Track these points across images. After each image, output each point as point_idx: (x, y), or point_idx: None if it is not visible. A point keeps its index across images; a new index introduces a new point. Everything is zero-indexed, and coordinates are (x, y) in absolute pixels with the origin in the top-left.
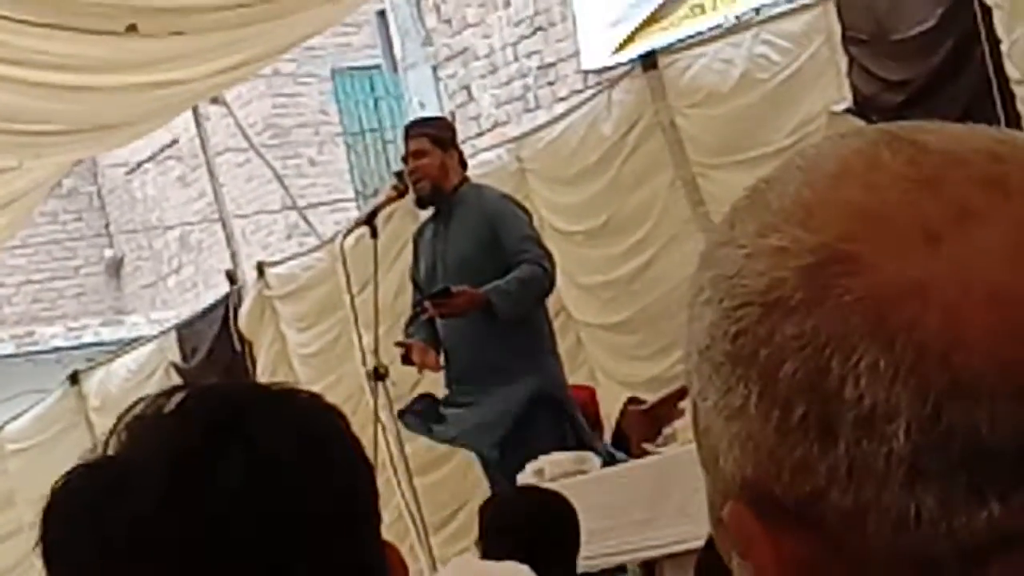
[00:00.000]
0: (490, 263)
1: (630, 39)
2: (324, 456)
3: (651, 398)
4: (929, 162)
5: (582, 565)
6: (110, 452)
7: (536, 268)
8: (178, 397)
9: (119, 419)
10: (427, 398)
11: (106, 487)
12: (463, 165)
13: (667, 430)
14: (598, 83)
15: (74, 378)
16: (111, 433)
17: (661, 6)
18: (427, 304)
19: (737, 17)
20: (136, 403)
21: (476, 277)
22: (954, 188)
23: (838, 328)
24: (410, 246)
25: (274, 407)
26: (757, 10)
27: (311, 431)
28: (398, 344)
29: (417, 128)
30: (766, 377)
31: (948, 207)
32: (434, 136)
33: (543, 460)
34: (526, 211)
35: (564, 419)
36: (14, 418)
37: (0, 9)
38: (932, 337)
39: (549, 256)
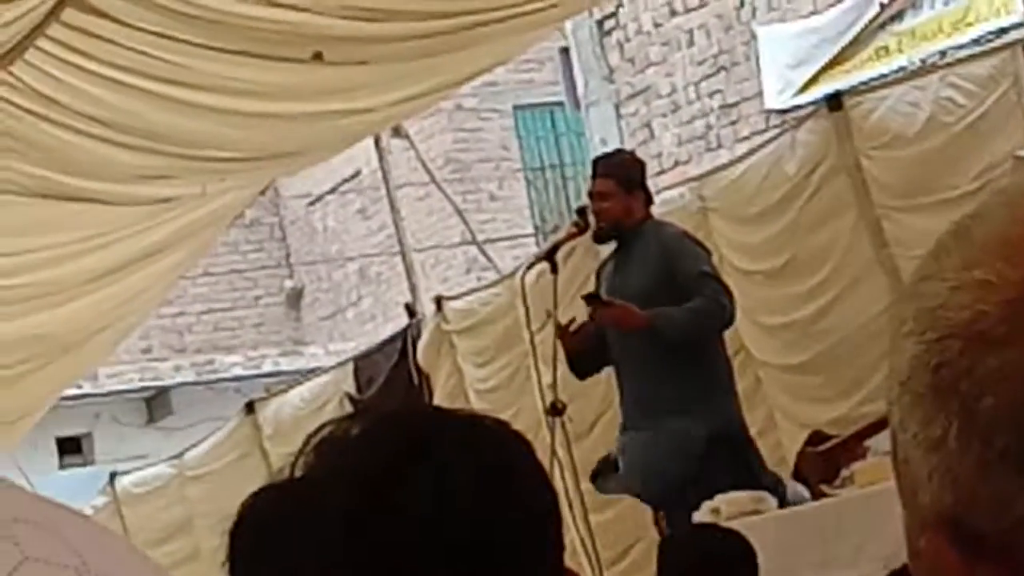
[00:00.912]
0: (667, 298)
1: (813, 80)
2: (511, 483)
3: (834, 436)
4: None
5: None
6: (297, 473)
7: (710, 302)
8: (365, 420)
9: (307, 441)
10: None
11: (294, 509)
12: (649, 203)
13: (845, 472)
14: (780, 123)
15: (250, 407)
16: (299, 454)
17: (845, 48)
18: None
19: (922, 60)
20: (323, 426)
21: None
22: None
23: None
24: (591, 282)
25: (461, 433)
26: (942, 53)
27: (498, 458)
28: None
29: (605, 167)
30: (966, 410)
31: None
32: (621, 177)
33: (719, 499)
34: (705, 248)
35: (740, 459)
36: (194, 445)
37: (188, 35)
38: None
39: (727, 291)
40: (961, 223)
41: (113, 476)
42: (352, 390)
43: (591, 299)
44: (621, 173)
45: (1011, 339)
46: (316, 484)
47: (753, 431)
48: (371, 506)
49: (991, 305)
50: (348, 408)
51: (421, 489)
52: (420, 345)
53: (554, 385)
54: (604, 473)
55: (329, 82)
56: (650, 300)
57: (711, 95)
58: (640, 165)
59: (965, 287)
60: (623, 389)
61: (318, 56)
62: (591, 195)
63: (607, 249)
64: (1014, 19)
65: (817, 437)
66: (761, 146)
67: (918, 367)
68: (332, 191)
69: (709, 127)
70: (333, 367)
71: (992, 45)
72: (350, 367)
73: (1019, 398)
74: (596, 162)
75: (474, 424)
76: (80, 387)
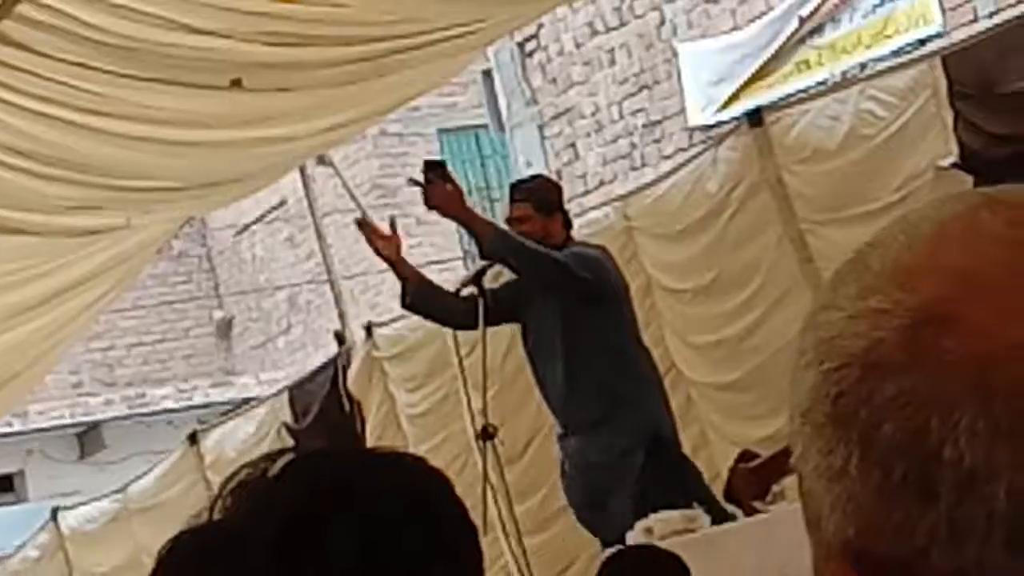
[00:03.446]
0: (590, 318)
1: (735, 96)
2: (432, 521)
3: (763, 454)
4: None
5: None
6: (216, 517)
7: (553, 252)
8: (282, 462)
9: (224, 484)
10: None
11: (213, 555)
12: (568, 225)
13: (776, 488)
14: (704, 140)
15: (193, 438)
16: (216, 498)
17: (766, 63)
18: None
19: (843, 73)
20: (240, 468)
21: (581, 335)
22: None
23: (937, 388)
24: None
25: (380, 472)
26: (863, 65)
27: (418, 496)
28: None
29: (521, 192)
30: (866, 438)
31: None
32: (537, 201)
33: (652, 519)
34: (613, 262)
35: (672, 464)
36: (137, 478)
37: (107, 65)
38: None
39: (577, 261)
40: (859, 252)
41: (55, 512)
42: (289, 420)
43: (432, 166)
44: (537, 197)
45: (908, 365)
46: (235, 528)
47: (686, 450)
48: (292, 550)
49: (887, 332)
50: (286, 437)
51: (342, 532)
52: (351, 373)
53: (484, 410)
54: None
55: (250, 110)
56: (574, 323)
57: (634, 114)
58: (556, 188)
59: (861, 315)
60: (547, 398)
61: (237, 83)
62: (509, 221)
63: None
64: (932, 30)
65: (747, 455)
66: (683, 164)
67: (817, 397)
68: (259, 220)
69: (633, 146)
70: (269, 397)
71: (911, 56)
72: (285, 396)
73: (917, 424)
74: (513, 187)
75: (392, 463)
76: (10, 424)
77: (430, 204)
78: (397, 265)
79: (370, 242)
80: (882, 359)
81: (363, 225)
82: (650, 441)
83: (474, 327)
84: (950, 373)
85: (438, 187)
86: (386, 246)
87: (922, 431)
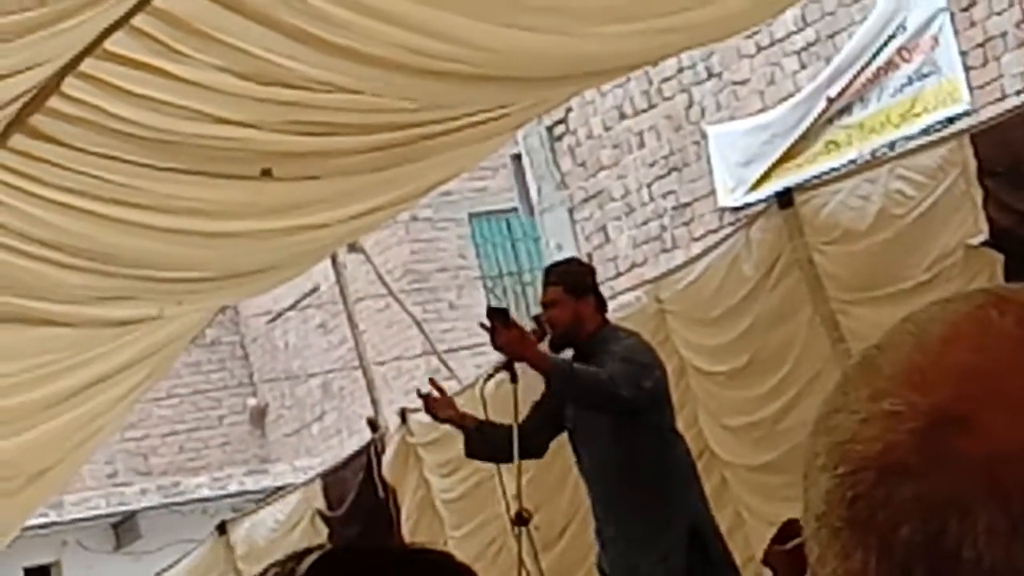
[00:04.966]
0: (635, 414)
1: (765, 177)
2: None
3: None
4: None
5: None
6: None
7: (610, 382)
8: (309, 561)
9: None
10: None
11: None
12: (602, 308)
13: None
14: (734, 221)
15: (222, 528)
16: None
17: (795, 144)
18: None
19: (872, 153)
20: (268, 568)
21: (622, 420)
22: None
23: (954, 489)
24: None
25: (407, 571)
26: (892, 145)
27: None
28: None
29: (554, 275)
30: (884, 541)
31: None
32: (569, 284)
33: None
34: (650, 349)
35: (711, 556)
36: (165, 570)
37: (136, 156)
38: None
39: (629, 378)
40: (867, 354)
41: None
42: (323, 507)
43: (495, 313)
44: (569, 280)
45: (924, 468)
46: None
47: (721, 531)
48: None
49: (901, 435)
50: (320, 525)
51: None
52: (385, 459)
53: (519, 495)
54: None
55: (281, 198)
56: (614, 419)
57: (664, 196)
58: (590, 271)
59: (874, 419)
60: (590, 494)
61: (267, 172)
62: (543, 305)
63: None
64: (961, 108)
65: (789, 530)
66: (714, 246)
67: (833, 501)
68: (292, 307)
69: (663, 228)
70: (302, 484)
71: (940, 135)
72: (319, 484)
73: (935, 526)
74: (546, 271)
75: (419, 560)
76: (46, 515)
77: (496, 345)
78: (458, 420)
79: (428, 410)
80: (898, 462)
81: (423, 394)
82: (688, 535)
83: (537, 454)
84: (966, 474)
85: (502, 331)
86: (442, 408)
87: (940, 533)
